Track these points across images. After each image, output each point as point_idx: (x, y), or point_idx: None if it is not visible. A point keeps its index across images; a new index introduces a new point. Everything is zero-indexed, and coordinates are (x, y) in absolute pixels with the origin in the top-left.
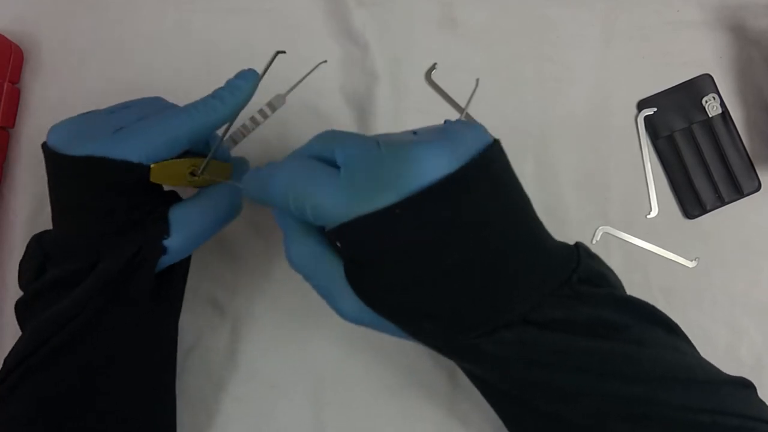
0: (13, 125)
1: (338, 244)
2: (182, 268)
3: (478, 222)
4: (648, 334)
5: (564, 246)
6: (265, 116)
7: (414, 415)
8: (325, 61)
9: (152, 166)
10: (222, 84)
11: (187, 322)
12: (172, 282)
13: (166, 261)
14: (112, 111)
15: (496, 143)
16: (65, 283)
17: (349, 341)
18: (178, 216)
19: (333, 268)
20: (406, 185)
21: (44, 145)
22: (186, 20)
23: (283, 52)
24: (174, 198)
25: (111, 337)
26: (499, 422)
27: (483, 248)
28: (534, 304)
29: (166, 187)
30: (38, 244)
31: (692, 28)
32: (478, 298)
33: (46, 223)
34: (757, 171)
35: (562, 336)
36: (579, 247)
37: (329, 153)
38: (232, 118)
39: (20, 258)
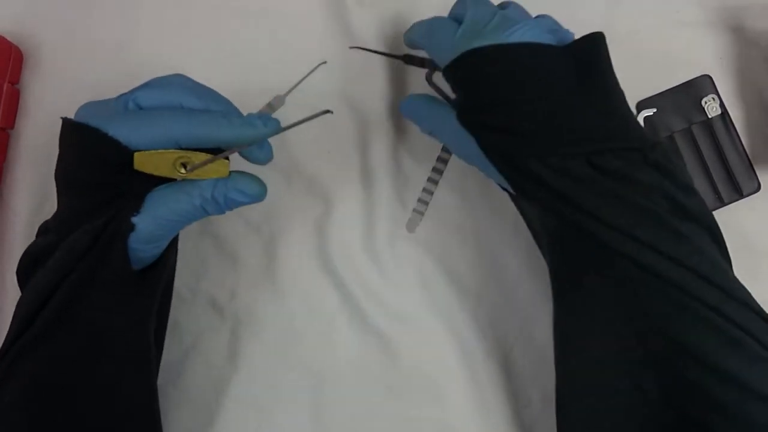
0: (12, 126)
1: (451, 85)
2: (166, 265)
3: (554, 79)
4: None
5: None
6: None
7: (414, 416)
8: (325, 62)
9: (135, 153)
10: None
11: (187, 322)
12: (156, 277)
13: (142, 248)
14: (136, 90)
15: (593, 37)
16: (42, 256)
17: (349, 341)
18: (154, 197)
19: (443, 114)
20: (499, 38)
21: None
22: (186, 20)
23: (330, 112)
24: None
25: (89, 323)
26: (498, 423)
27: (556, 93)
28: (597, 149)
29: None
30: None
31: (692, 28)
32: (553, 126)
33: None
34: (757, 172)
35: (616, 184)
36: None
37: (462, 14)
38: (234, 146)
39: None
